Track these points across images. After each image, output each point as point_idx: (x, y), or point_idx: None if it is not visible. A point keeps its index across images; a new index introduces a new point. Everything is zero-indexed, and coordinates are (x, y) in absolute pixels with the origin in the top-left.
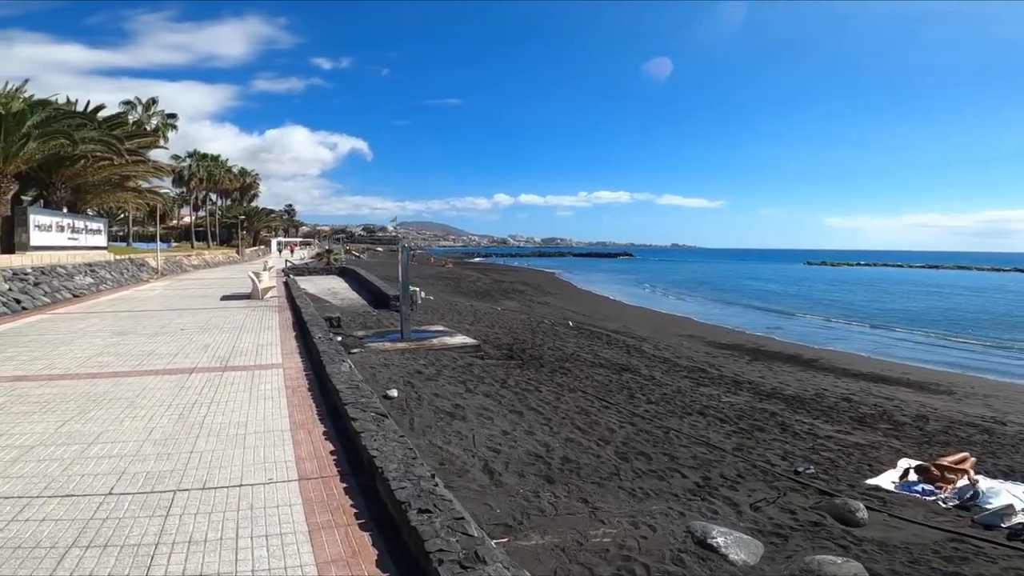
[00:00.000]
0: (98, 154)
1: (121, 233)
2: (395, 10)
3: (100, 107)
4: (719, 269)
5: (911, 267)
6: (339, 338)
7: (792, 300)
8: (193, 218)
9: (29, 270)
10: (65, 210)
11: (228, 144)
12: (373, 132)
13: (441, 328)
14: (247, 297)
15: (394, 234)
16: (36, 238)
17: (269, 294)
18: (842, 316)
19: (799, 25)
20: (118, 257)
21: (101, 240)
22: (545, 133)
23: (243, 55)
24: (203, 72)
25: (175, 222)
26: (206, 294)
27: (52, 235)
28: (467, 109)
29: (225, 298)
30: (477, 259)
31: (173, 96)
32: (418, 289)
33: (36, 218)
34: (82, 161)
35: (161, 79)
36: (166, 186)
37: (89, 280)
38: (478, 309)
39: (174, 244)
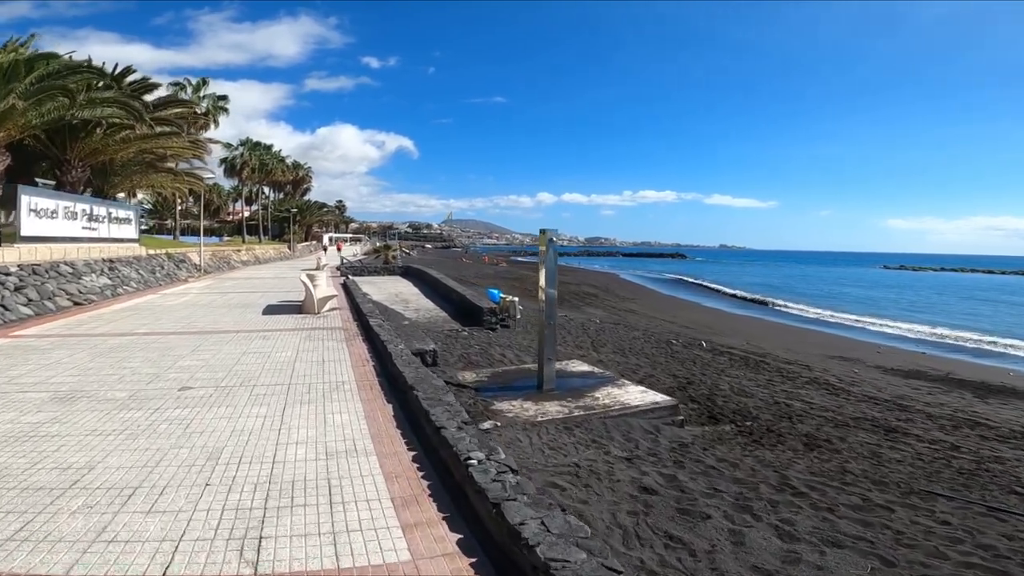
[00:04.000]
0: (116, 121)
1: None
2: (442, 9)
3: (128, 69)
4: (790, 272)
5: (1003, 273)
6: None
7: (915, 312)
8: (243, 212)
9: (12, 269)
10: (89, 192)
11: (282, 142)
12: (419, 130)
13: (586, 368)
14: (298, 309)
15: (439, 231)
16: (30, 226)
17: (328, 306)
18: (997, 331)
19: (861, 25)
20: (153, 252)
21: (130, 231)
22: (591, 131)
23: (296, 54)
24: (259, 71)
25: (230, 217)
26: (247, 302)
27: (57, 223)
28: (512, 107)
29: (270, 310)
30: (524, 258)
31: (232, 95)
32: (516, 299)
33: (32, 200)
34: (98, 130)
35: (221, 78)
36: (209, 169)
37: (105, 281)
38: (585, 325)
39: (226, 238)
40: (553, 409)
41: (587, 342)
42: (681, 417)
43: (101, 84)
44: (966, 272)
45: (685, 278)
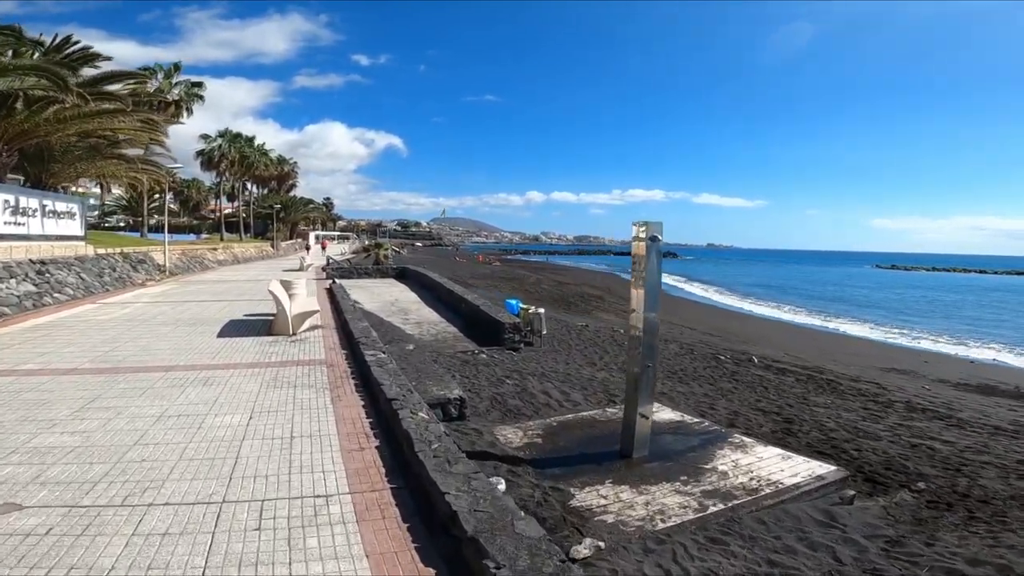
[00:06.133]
0: (39, 93)
1: (153, 223)
2: (434, 8)
3: (69, 39)
4: (784, 272)
5: (996, 273)
6: (500, 485)
7: (940, 319)
8: (222, 208)
9: None
10: (27, 184)
11: (270, 140)
12: (409, 128)
13: (673, 415)
14: (268, 330)
15: (428, 229)
16: None
17: (307, 324)
18: None
19: (844, 23)
20: (104, 251)
21: (73, 227)
22: (581, 130)
23: (285, 52)
24: (248, 69)
25: (214, 214)
26: (203, 316)
27: None
28: (503, 106)
29: (231, 329)
30: (516, 256)
31: (220, 92)
32: (541, 311)
33: None
34: (19, 105)
35: (208, 75)
36: (171, 156)
37: (28, 288)
38: (613, 335)
39: (204, 236)
40: (671, 500)
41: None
42: (852, 492)
43: (36, 56)
44: (959, 272)
45: (677, 279)
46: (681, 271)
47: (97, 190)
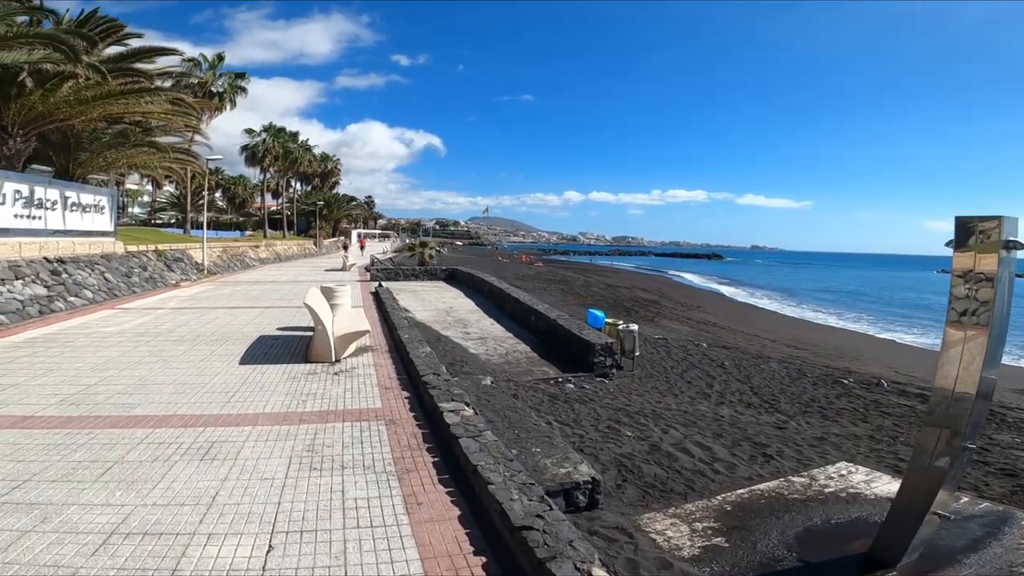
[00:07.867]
0: (49, 67)
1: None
2: (473, 8)
3: (94, 14)
4: (845, 276)
5: None
6: None
7: None
8: (265, 205)
9: None
10: (52, 173)
11: (314, 138)
12: (447, 128)
13: (890, 486)
14: (305, 354)
15: (466, 228)
16: None
17: (353, 347)
18: None
19: (894, 24)
20: (135, 248)
21: (102, 222)
22: (619, 131)
23: (328, 52)
24: (293, 69)
25: (259, 211)
26: (231, 330)
27: None
28: (540, 105)
29: (259, 352)
30: (555, 256)
31: (266, 93)
32: (634, 327)
33: None
34: (28, 82)
35: (255, 75)
36: (207, 144)
37: (37, 291)
38: (707, 353)
39: (248, 233)
40: None
41: (746, 390)
42: None
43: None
44: None
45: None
46: (731, 275)
47: (150, 187)
